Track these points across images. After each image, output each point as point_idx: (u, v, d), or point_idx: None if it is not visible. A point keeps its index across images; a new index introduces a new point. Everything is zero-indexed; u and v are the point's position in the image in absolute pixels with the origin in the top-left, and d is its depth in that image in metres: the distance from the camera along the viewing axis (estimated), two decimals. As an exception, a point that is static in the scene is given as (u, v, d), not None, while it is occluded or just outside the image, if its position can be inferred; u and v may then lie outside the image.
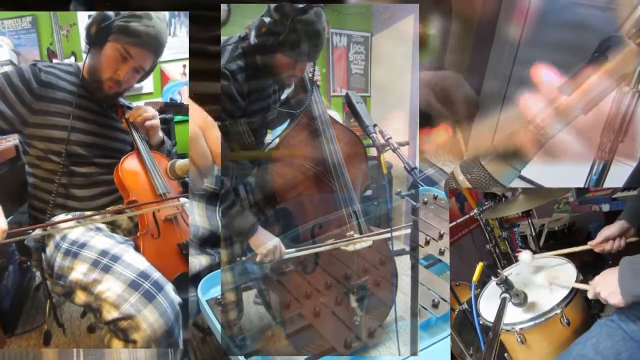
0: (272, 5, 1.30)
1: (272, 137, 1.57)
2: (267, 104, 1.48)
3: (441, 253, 1.64)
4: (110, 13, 1.33)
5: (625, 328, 1.04)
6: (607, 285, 1.04)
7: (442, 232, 1.68)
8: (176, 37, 2.36)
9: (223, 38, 1.40)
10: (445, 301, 1.47)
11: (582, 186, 1.11)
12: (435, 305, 1.47)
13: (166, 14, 1.46)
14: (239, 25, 1.43)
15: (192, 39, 1.47)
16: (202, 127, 0.91)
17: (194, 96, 1.47)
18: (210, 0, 1.44)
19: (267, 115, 1.51)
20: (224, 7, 1.66)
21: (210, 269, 1.43)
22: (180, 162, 1.27)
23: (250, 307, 1.69)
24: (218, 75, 1.35)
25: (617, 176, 1.12)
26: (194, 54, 1.44)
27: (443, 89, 1.22)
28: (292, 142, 1.48)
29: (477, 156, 1.02)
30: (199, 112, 1.05)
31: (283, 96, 1.56)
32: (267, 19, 1.30)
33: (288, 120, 1.54)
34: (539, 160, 1.02)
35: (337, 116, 1.90)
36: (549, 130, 0.97)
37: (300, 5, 1.28)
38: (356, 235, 1.38)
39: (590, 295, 1.11)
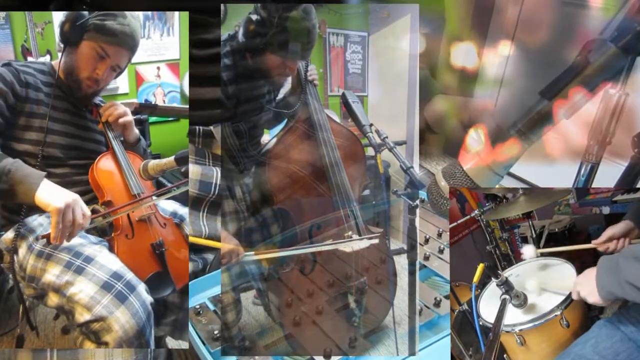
0: (260, 3, 1.29)
1: (269, 137, 1.57)
2: (259, 104, 1.47)
3: (426, 258, 1.63)
4: (84, 12, 1.32)
5: (624, 329, 1.04)
6: (586, 284, 1.04)
7: (427, 236, 1.68)
8: (150, 39, 2.39)
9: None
10: (429, 308, 1.46)
11: (569, 187, 1.10)
12: (418, 313, 1.46)
13: (140, 14, 1.46)
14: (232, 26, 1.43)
15: (192, 43, 1.48)
16: None
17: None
18: (209, 2, 1.45)
19: (262, 115, 1.50)
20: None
21: (195, 275, 1.44)
22: (153, 163, 1.27)
23: (249, 307, 1.69)
24: (217, 79, 1.34)
25: (608, 175, 1.11)
26: (194, 59, 1.45)
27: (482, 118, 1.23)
28: (289, 142, 1.47)
29: (458, 161, 1.02)
30: None
31: (280, 96, 1.55)
32: (254, 17, 1.29)
33: (285, 120, 1.54)
34: (527, 160, 1.02)
35: (335, 116, 1.90)
36: (531, 135, 0.97)
37: (288, 2, 1.27)
38: (355, 236, 1.38)
39: (574, 296, 1.10)
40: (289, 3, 1.29)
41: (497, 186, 1.82)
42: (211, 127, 1.39)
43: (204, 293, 1.47)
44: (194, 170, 1.38)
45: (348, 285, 1.46)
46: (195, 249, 1.45)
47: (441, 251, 1.63)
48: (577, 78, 0.92)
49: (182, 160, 1.23)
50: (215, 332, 1.36)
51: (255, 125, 1.50)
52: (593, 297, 1.01)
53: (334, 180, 1.47)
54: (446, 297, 1.52)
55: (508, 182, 1.92)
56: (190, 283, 1.42)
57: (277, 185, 1.44)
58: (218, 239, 1.45)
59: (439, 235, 1.68)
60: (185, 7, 1.56)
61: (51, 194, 1.11)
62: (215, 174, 1.42)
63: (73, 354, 1.23)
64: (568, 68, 0.94)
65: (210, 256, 1.49)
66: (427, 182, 1.09)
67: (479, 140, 1.03)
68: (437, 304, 1.47)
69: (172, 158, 1.25)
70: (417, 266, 1.14)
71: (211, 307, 1.47)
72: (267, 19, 1.28)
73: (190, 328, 1.35)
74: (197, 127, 1.41)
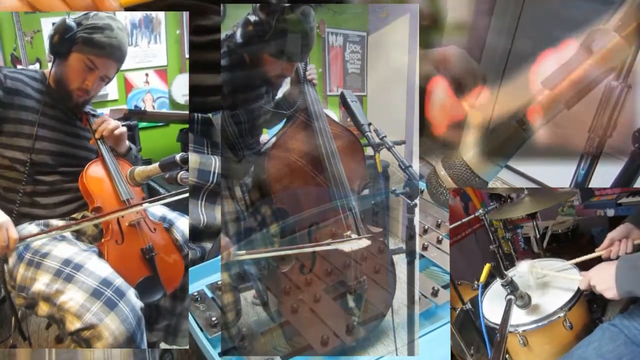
0: (258, 4, 1.29)
1: (268, 136, 1.56)
2: (257, 104, 1.47)
3: (424, 248, 1.63)
4: (72, 24, 1.34)
5: (627, 333, 1.03)
6: (603, 280, 1.04)
7: (426, 226, 1.68)
8: (138, 47, 2.48)
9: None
10: (426, 298, 1.46)
11: (569, 182, 1.09)
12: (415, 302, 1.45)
13: (126, 24, 1.47)
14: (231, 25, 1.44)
15: (193, 31, 1.48)
16: None
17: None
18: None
19: (260, 115, 1.49)
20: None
21: (193, 263, 1.45)
22: (139, 169, 1.29)
23: (248, 308, 1.69)
24: (217, 66, 1.35)
25: (608, 172, 1.10)
26: (194, 45, 1.44)
27: (446, 66, 1.20)
28: (288, 142, 1.47)
29: (459, 152, 1.01)
30: None
31: (279, 95, 1.55)
32: (252, 18, 1.29)
33: (285, 120, 1.54)
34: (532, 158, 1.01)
35: (334, 115, 1.91)
36: (531, 125, 0.95)
37: (286, 4, 1.26)
38: (353, 236, 1.37)
39: (582, 286, 1.10)
40: (289, 4, 1.28)
41: (503, 186, 1.81)
42: (210, 115, 1.39)
43: (202, 280, 1.49)
44: (192, 158, 1.39)
45: (347, 285, 1.46)
46: (194, 238, 1.46)
47: (439, 241, 1.63)
48: (580, 68, 0.91)
49: (166, 167, 1.23)
50: (213, 318, 1.38)
51: (254, 125, 1.49)
52: (610, 293, 1.02)
53: (333, 181, 1.46)
54: (444, 287, 1.52)
55: (514, 181, 1.92)
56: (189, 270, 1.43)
57: (276, 185, 1.43)
58: (217, 228, 1.46)
59: (438, 225, 1.68)
60: (185, 7, 1.56)
61: None
62: (214, 162, 1.43)
63: (71, 354, 1.24)
64: (570, 58, 0.92)
65: (208, 245, 1.50)
66: (425, 173, 1.08)
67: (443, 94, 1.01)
68: (435, 293, 1.48)
69: (156, 165, 1.26)
70: (417, 257, 1.14)
71: (209, 294, 1.48)
72: (266, 20, 1.28)
73: (189, 316, 1.36)
74: (195, 115, 1.42)
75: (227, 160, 1.44)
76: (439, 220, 1.69)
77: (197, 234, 1.46)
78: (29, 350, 1.32)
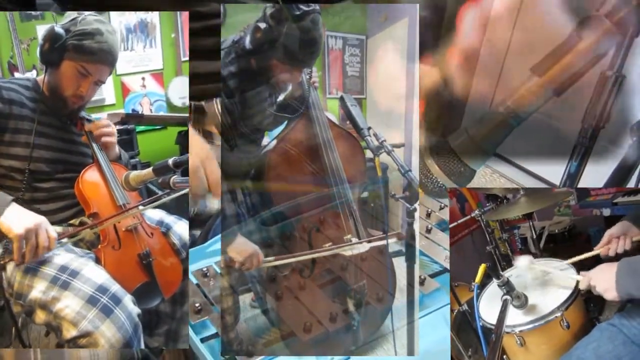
0: (268, 11, 1.29)
1: (269, 139, 1.57)
2: (262, 108, 1.47)
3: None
4: (60, 31, 1.33)
5: (626, 332, 1.04)
6: (603, 281, 1.05)
7: None
8: (134, 51, 2.51)
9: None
10: (412, 286, 1.46)
11: (561, 174, 1.06)
12: (400, 291, 1.46)
13: (117, 27, 1.46)
14: (233, 26, 1.44)
15: (192, 18, 1.48)
16: (202, 160, 1.00)
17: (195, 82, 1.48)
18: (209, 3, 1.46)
19: (264, 119, 1.50)
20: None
21: None
22: (133, 174, 1.29)
23: (247, 310, 1.69)
24: (217, 53, 1.36)
25: (604, 163, 1.09)
26: (193, 33, 1.46)
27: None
28: (289, 144, 1.48)
29: (446, 139, 1.00)
30: (199, 144, 1.09)
31: (280, 98, 1.55)
32: (262, 25, 1.29)
33: (286, 122, 1.54)
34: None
35: (334, 118, 1.92)
36: (520, 112, 0.94)
37: (297, 12, 1.26)
38: (354, 239, 1.38)
39: (582, 286, 1.11)
40: (298, 12, 1.28)
41: (498, 187, 1.81)
42: (202, 103, 1.38)
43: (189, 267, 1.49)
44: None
45: (347, 289, 1.46)
46: None
47: (429, 231, 1.65)
48: (570, 54, 0.89)
49: (159, 171, 1.22)
50: (197, 304, 1.39)
51: (258, 129, 1.50)
52: (610, 295, 1.03)
53: (334, 184, 1.47)
54: (431, 275, 1.55)
55: (505, 171, 1.92)
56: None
57: (277, 187, 1.44)
58: (206, 216, 1.49)
59: (428, 215, 1.69)
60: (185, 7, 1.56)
61: (13, 220, 1.14)
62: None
63: (58, 355, 1.24)
64: (561, 44, 0.91)
65: (197, 232, 1.52)
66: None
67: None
68: (422, 282, 1.50)
69: (150, 169, 1.25)
70: (417, 260, 1.14)
71: (194, 280, 1.49)
72: (276, 27, 1.29)
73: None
74: (190, 103, 1.42)
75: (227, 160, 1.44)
76: (429, 210, 1.69)
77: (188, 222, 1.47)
78: (13, 350, 1.31)
